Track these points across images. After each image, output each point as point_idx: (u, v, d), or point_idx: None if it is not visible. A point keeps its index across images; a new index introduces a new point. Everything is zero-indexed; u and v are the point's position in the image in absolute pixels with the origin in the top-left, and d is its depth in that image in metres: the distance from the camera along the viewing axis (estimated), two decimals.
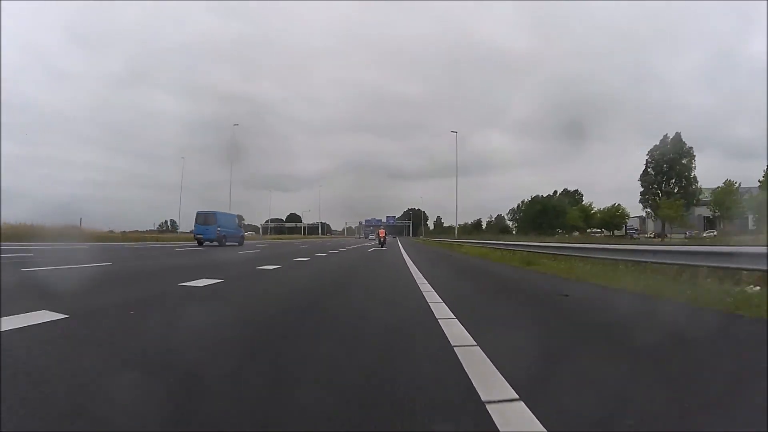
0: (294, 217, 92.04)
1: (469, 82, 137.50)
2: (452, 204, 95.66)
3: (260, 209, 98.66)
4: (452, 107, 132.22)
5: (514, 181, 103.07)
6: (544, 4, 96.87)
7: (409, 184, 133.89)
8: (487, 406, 1.19)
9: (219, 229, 17.37)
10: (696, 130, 71.23)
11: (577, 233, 47.63)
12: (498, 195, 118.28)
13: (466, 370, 1.50)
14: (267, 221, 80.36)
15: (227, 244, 17.30)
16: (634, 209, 47.67)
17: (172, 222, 71.55)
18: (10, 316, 2.24)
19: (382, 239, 21.80)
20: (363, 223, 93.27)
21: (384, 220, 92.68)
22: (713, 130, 72.51)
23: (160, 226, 58.12)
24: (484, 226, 76.16)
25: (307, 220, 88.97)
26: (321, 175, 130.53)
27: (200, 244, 16.74)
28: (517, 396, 1.27)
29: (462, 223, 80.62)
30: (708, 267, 3.91)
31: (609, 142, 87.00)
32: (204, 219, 17.71)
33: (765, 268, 3.34)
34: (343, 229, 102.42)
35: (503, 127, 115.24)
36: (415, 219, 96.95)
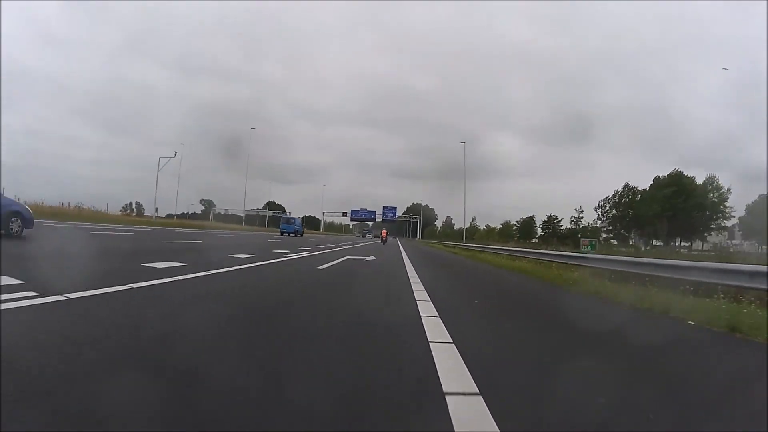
0: (274, 207, 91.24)
1: (482, 81, 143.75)
2: (459, 208, 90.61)
3: (253, 200, 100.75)
4: (464, 106, 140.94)
5: (519, 188, 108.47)
6: (567, 4, 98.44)
7: (410, 184, 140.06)
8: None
9: (295, 226, 37.89)
10: (712, 150, 73.45)
11: None
12: (502, 202, 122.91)
13: None
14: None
15: (297, 235, 35.03)
16: None
17: (138, 204, 74.89)
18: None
19: (384, 238, 32.41)
20: (349, 215, 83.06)
21: (379, 213, 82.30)
22: (731, 149, 74.38)
23: (123, 208, 61.12)
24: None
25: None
26: (320, 168, 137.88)
27: (281, 234, 34.05)
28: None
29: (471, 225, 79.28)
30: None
31: (619, 153, 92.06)
32: (287, 221, 39.87)
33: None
34: (319, 223, 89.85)
35: (515, 131, 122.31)
36: (425, 218, 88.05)
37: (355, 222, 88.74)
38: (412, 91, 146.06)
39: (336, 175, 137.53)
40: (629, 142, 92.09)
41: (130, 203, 74.48)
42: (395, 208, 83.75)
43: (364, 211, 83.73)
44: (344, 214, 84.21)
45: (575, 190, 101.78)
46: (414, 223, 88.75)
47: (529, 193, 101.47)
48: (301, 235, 35.83)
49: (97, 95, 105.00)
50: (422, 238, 79.15)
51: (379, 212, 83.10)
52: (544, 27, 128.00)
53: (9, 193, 8.94)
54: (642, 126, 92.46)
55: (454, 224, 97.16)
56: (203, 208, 72.83)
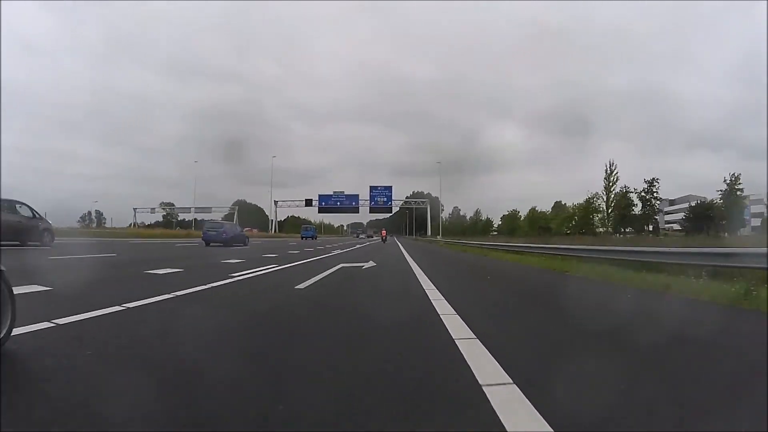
0: (244, 206, 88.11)
1: (486, 68, 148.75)
2: (462, 203, 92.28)
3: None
4: (467, 96, 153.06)
5: (524, 179, 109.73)
6: None
7: (410, 181, 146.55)
8: None
9: (311, 232, 52.53)
10: (718, 125, 75.81)
11: None
12: (503, 195, 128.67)
13: None
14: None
15: (313, 239, 47.18)
16: None
17: (99, 214, 76.97)
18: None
19: (384, 238, 41.64)
20: (317, 204, 60.02)
21: (364, 198, 59.43)
22: (735, 128, 76.98)
23: (82, 218, 63.75)
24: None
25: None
26: (317, 170, 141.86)
27: (302, 239, 45.34)
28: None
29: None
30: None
31: (627, 140, 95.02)
32: (305, 228, 53.59)
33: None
34: (269, 219, 70.35)
35: (519, 120, 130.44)
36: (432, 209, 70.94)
37: (324, 213, 63.41)
38: (412, 82, 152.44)
39: (333, 177, 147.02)
40: (634, 128, 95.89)
41: (89, 213, 74.36)
42: (390, 188, 58.03)
43: (340, 196, 58.35)
44: (308, 203, 58.99)
45: (581, 180, 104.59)
46: (420, 214, 67.09)
47: (534, 185, 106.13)
48: (315, 239, 47.08)
49: (85, 106, 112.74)
50: (437, 235, 57.26)
51: (365, 195, 57.87)
52: (550, 7, 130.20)
53: None
54: (646, 110, 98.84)
55: (465, 215, 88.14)
56: (164, 213, 71.60)
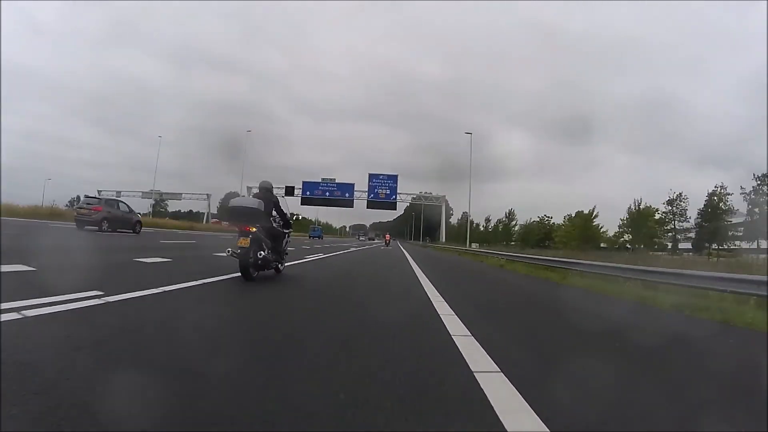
0: (231, 196, 78.52)
1: (494, 70, 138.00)
2: (464, 209, 77.26)
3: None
4: (473, 98, 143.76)
5: (527, 189, 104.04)
6: None
7: (413, 185, 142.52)
8: None
9: (318, 232, 59.57)
10: (725, 146, 70.36)
11: None
12: (504, 203, 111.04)
13: None
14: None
15: (319, 238, 50.50)
16: None
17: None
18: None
19: (387, 242, 40.71)
20: (300, 193, 48.08)
21: (361, 189, 48.59)
22: (747, 144, 68.87)
23: (70, 202, 60.49)
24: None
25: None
26: (322, 167, 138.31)
27: (310, 238, 47.18)
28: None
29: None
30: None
31: (638, 152, 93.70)
32: (313, 228, 63.33)
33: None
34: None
35: (525, 127, 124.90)
36: (437, 215, 62.68)
37: (306, 205, 51.53)
38: (419, 82, 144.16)
39: (334, 176, 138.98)
40: (641, 140, 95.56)
41: (77, 197, 71.18)
42: (395, 178, 46.34)
43: (329, 185, 46.50)
44: (289, 192, 46.86)
45: (582, 191, 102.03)
46: (429, 217, 59.23)
47: (538, 195, 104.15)
48: (321, 238, 47.81)
49: (89, 92, 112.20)
50: (449, 241, 44.55)
51: (362, 186, 46.12)
52: (551, 8, 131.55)
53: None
54: (654, 123, 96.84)
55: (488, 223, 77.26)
56: (152, 201, 65.72)
